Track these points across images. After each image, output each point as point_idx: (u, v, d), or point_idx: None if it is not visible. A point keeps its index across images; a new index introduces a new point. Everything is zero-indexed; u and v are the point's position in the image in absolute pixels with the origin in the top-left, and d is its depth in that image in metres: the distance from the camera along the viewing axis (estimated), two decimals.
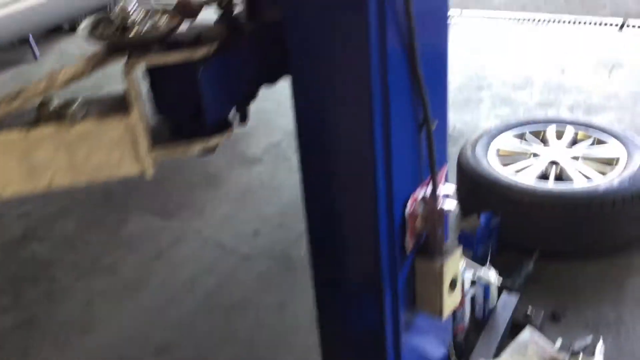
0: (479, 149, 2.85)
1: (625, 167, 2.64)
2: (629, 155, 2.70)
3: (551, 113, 3.80)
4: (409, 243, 1.44)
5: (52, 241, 3.08)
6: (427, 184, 1.46)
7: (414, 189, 1.43)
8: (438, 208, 1.42)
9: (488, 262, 2.36)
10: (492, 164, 2.76)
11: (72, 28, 6.09)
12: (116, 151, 1.16)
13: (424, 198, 1.44)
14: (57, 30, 5.99)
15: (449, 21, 1.49)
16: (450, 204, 1.52)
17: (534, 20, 5.20)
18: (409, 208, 1.41)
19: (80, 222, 3.22)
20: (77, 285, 2.78)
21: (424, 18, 1.28)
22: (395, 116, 1.28)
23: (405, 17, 1.20)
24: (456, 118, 3.84)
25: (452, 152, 3.06)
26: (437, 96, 1.45)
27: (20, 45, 5.59)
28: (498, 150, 2.88)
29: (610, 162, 2.73)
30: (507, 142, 2.93)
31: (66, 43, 5.94)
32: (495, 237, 2.63)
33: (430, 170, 1.42)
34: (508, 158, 2.85)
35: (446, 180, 1.60)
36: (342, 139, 1.29)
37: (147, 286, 2.72)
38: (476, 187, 2.72)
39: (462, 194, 2.85)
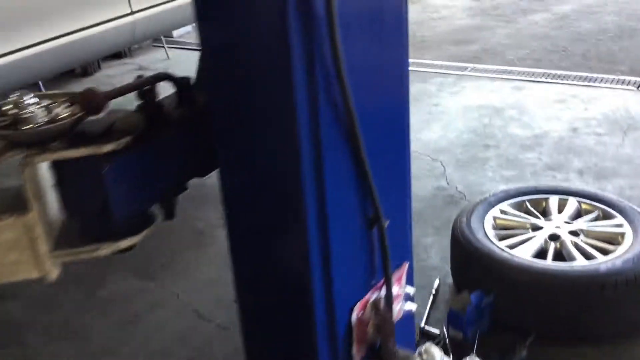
0: (475, 219, 2.68)
1: (630, 246, 2.45)
2: (635, 232, 2.51)
3: (560, 176, 3.62)
4: (357, 353, 1.28)
5: (27, 300, 2.96)
6: (381, 287, 1.30)
7: (363, 293, 1.27)
8: (390, 316, 1.27)
9: (474, 351, 2.18)
10: (488, 236, 2.58)
11: (84, 72, 6.10)
12: (13, 253, 1.04)
13: (375, 303, 1.29)
14: (68, 73, 5.99)
15: (410, 84, 1.33)
16: (411, 306, 1.37)
17: (548, 75, 5.06)
18: (356, 314, 1.25)
19: (59, 280, 3.08)
20: (45, 350, 2.64)
21: (370, 88, 1.13)
22: (335, 213, 1.14)
23: (342, 96, 1.05)
24: (459, 178, 3.68)
25: (452, 216, 2.92)
26: (393, 185, 1.30)
27: (28, 87, 5.59)
28: (495, 221, 2.71)
29: (614, 239, 2.54)
30: (505, 212, 2.76)
31: (76, 87, 5.93)
32: (488, 317, 2.44)
33: (384, 273, 1.27)
34: (505, 230, 2.68)
35: (409, 277, 1.45)
36: (273, 239, 1.15)
37: (116, 355, 2.57)
38: (469, 261, 2.55)
39: (456, 267, 2.70)
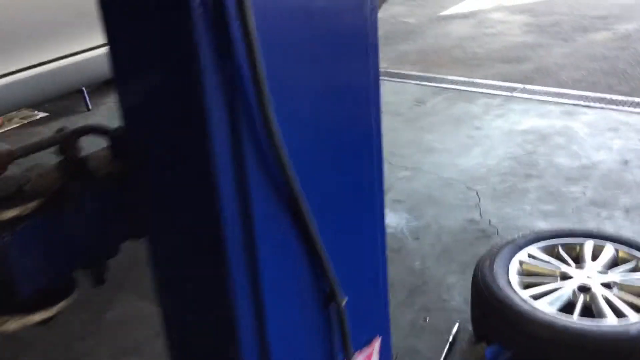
0: (499, 262, 2.47)
1: None
2: None
3: (604, 214, 3.36)
4: None
5: None
6: None
7: None
8: None
9: None
10: (511, 283, 2.37)
11: None
12: None
13: None
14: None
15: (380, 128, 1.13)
16: None
17: (602, 100, 4.76)
18: None
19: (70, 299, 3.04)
20: None
21: (318, 136, 0.97)
22: (275, 293, 0.99)
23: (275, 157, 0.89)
24: (493, 211, 3.46)
25: (481, 253, 2.73)
26: (360, 249, 1.14)
27: (74, 94, 5.64)
28: (521, 266, 2.50)
29: None
30: (534, 256, 2.54)
31: None
32: None
33: (345, 357, 1.11)
34: (531, 277, 2.46)
35: (385, 354, 1.28)
36: (203, 321, 1.01)
37: None
38: (488, 309, 2.35)
39: (475, 315, 2.50)
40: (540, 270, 2.49)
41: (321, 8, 0.91)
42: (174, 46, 0.81)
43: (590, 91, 4.97)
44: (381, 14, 7.44)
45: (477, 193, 3.65)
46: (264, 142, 0.87)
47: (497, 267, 2.44)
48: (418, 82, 5.45)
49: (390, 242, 3.26)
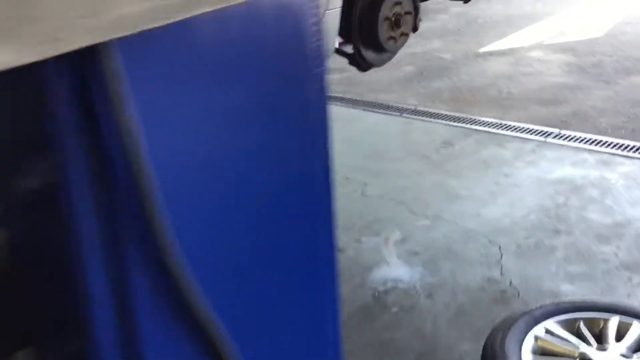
0: (512, 337, 2.26)
1: None
2: None
3: (636, 280, 3.10)
4: None
5: None
6: None
7: None
8: None
9: None
10: None
11: None
12: None
13: None
14: None
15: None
16: None
17: None
18: None
19: None
20: None
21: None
22: None
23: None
24: (516, 270, 3.23)
25: (499, 318, 2.53)
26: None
27: None
28: (536, 342, 2.27)
29: None
30: (551, 332, 2.31)
31: None
32: None
33: None
34: (546, 357, 2.23)
35: None
36: None
37: None
38: None
39: None
40: (557, 350, 2.26)
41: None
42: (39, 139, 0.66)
43: (629, 139, 4.70)
44: (416, 48, 7.28)
45: (499, 248, 3.42)
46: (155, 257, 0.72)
47: (510, 343, 2.23)
48: (448, 122, 5.25)
49: (401, 299, 3.07)
